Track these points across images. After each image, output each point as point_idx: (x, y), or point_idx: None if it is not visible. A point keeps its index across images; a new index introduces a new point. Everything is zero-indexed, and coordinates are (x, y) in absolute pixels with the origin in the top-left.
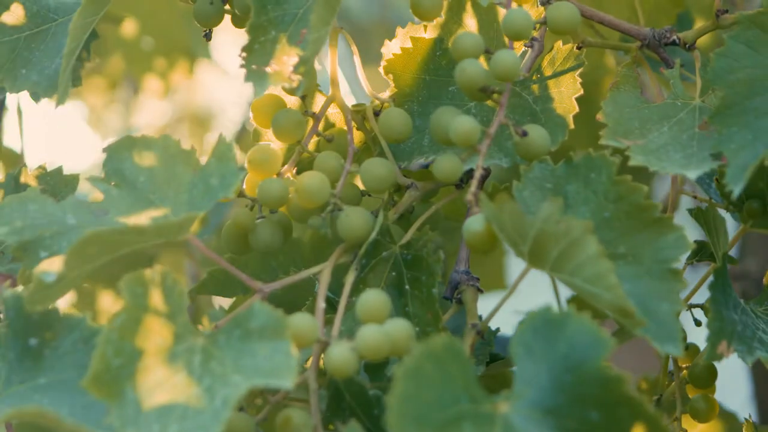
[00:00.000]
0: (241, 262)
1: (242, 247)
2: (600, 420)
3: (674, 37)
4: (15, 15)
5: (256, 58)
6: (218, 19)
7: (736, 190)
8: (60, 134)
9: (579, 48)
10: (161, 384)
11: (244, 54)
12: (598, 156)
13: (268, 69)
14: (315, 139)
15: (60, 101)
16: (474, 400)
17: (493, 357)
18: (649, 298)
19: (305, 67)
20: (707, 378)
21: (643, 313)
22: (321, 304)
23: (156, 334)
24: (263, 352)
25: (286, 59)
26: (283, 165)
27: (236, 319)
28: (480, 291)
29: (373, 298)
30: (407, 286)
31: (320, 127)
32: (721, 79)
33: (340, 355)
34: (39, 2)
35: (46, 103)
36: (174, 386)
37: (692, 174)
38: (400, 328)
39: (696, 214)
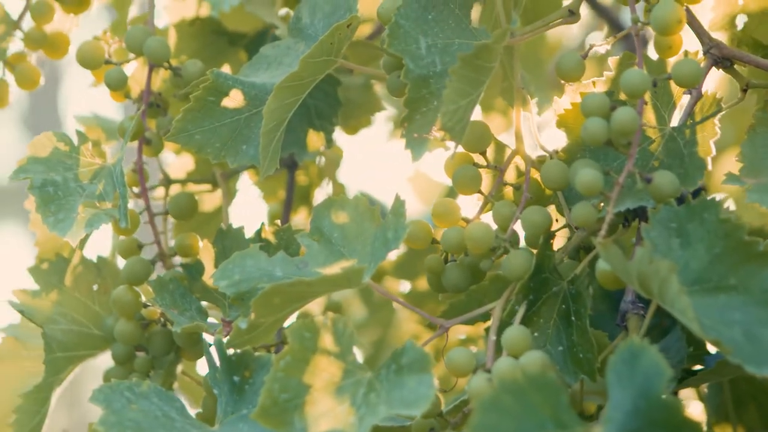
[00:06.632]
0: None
1: (440, 287)
2: None
3: None
4: (235, 99)
5: (416, 127)
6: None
7: None
8: None
9: (744, 90)
10: (326, 414)
11: (405, 124)
12: (709, 198)
13: (429, 136)
14: (508, 188)
15: (264, 174)
16: (562, 425)
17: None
18: (756, 324)
19: (451, 134)
20: None
21: (747, 339)
22: (492, 337)
23: (324, 372)
24: (410, 384)
25: None
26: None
27: (394, 354)
28: (644, 317)
29: (513, 333)
30: (573, 318)
31: (512, 177)
32: None
33: (478, 385)
34: (257, 86)
35: None
36: (336, 415)
37: None
38: (533, 360)
39: None
